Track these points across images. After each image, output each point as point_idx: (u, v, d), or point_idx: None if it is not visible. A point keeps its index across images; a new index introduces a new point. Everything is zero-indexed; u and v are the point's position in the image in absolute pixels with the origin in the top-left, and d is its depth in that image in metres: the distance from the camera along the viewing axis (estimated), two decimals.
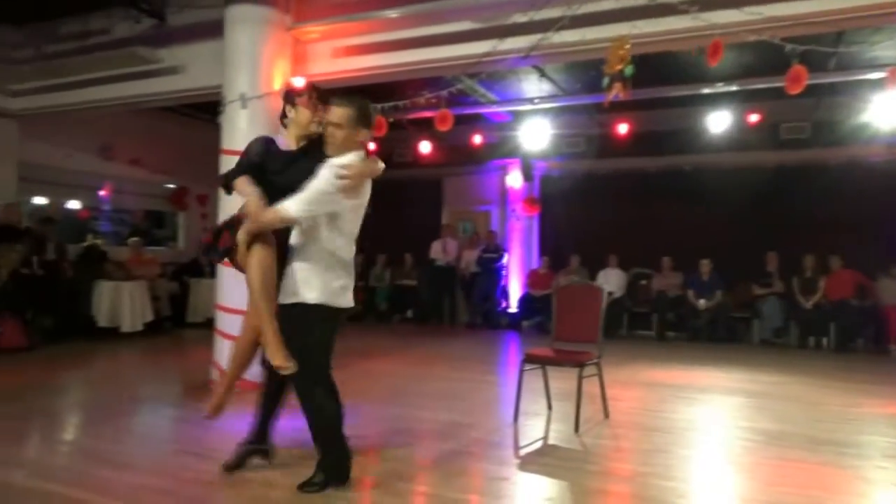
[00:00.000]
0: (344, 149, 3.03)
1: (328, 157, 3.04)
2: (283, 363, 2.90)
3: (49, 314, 8.03)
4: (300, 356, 2.94)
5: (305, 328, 3.00)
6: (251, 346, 3.13)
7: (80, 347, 7.50)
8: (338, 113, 3.03)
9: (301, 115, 3.21)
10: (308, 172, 2.97)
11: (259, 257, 2.98)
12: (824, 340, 8.79)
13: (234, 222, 3.11)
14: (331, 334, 3.09)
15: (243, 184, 3.08)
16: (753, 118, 8.51)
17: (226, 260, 3.20)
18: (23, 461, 3.52)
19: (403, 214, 11.56)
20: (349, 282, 3.15)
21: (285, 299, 3.05)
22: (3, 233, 7.54)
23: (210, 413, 3.19)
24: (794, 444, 4.10)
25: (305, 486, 3.06)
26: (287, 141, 3.26)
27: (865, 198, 8.90)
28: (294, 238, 3.10)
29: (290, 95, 3.26)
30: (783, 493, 3.22)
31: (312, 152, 3.15)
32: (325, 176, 2.92)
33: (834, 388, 6.04)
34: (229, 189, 3.19)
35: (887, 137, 8.02)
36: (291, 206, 2.92)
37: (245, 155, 3.20)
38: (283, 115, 3.29)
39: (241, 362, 3.20)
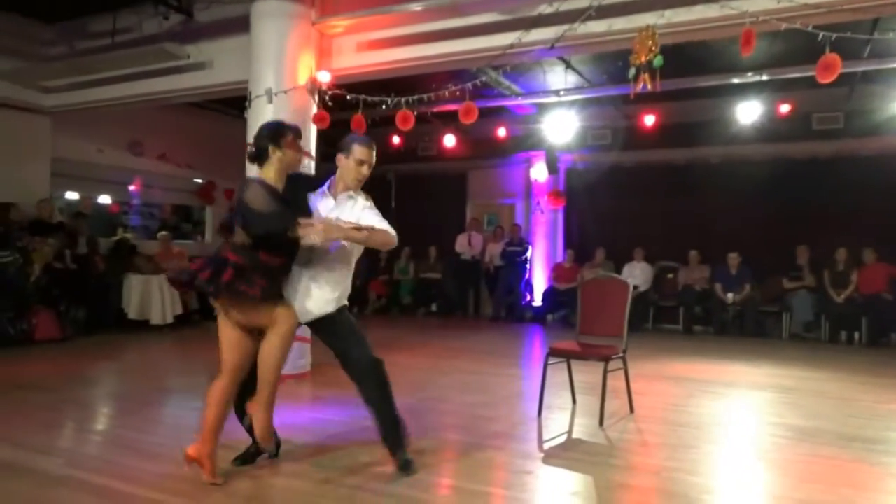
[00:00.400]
0: None
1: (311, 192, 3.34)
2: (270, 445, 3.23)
3: (82, 307, 8.23)
4: (369, 348, 3.21)
5: (353, 324, 3.30)
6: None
7: (111, 339, 7.66)
8: (373, 155, 3.35)
9: (289, 156, 3.17)
10: (300, 212, 3.12)
11: (288, 344, 3.15)
12: (856, 335, 8.61)
13: (242, 263, 2.99)
14: None
15: (327, 220, 3.07)
16: (784, 108, 8.34)
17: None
18: (57, 450, 3.61)
19: (428, 208, 11.59)
20: None
21: (329, 308, 3.28)
22: (37, 228, 7.72)
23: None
24: (824, 440, 4.02)
25: (407, 469, 3.21)
26: (263, 179, 3.16)
27: None
28: (332, 253, 3.25)
29: (276, 137, 3.14)
30: (813, 490, 3.17)
31: (294, 191, 3.24)
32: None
33: (866, 383, 5.91)
34: (296, 235, 3.00)
35: None
36: (389, 228, 3.19)
37: (265, 204, 2.99)
38: (259, 156, 3.15)
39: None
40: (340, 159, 3.33)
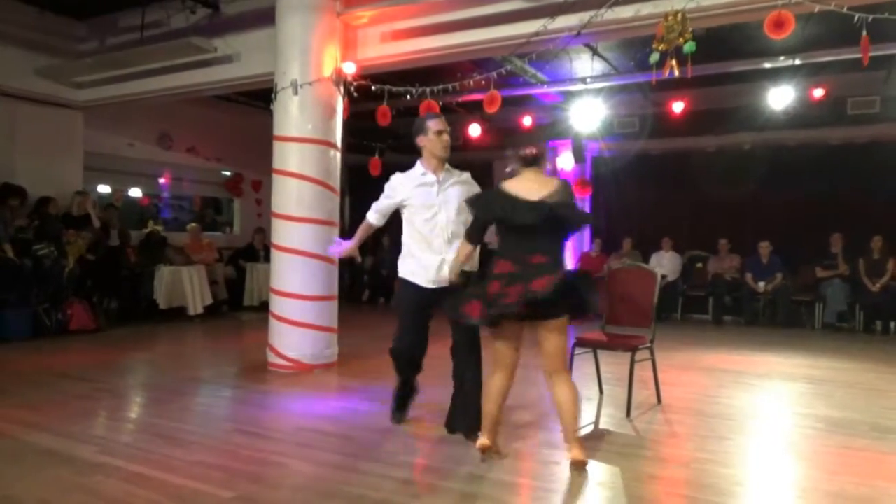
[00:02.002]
0: None
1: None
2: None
3: (114, 298, 8.40)
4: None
5: None
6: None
7: (143, 330, 7.81)
8: (446, 123, 3.77)
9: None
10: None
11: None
12: (892, 325, 8.41)
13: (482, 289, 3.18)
14: None
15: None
16: (818, 93, 8.12)
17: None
18: (92, 437, 3.69)
19: None
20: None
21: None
22: (71, 221, 7.89)
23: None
24: (857, 432, 3.94)
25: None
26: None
27: None
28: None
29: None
30: (846, 482, 3.11)
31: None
32: None
33: None
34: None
35: None
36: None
37: None
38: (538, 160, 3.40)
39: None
40: (421, 140, 3.70)
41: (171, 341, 7.36)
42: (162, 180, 10.69)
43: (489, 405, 3.32)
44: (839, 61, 6.60)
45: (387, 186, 3.78)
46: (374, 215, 3.86)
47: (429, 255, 3.62)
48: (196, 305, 8.61)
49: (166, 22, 7.17)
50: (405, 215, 3.73)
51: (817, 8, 4.25)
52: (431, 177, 3.68)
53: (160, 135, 9.92)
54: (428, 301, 3.67)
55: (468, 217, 3.46)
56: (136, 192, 10.77)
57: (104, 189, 10.06)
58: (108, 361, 5.98)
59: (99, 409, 4.38)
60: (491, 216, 3.25)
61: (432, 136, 3.67)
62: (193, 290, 8.61)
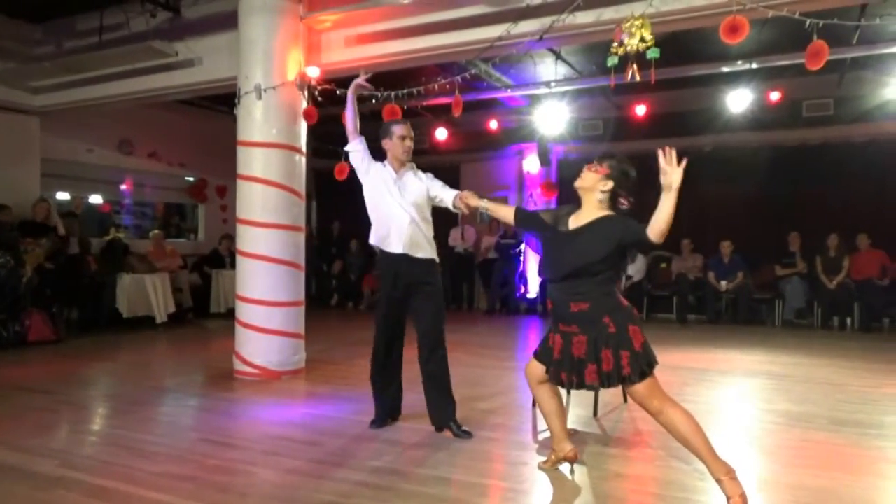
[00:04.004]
0: None
1: None
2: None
3: (74, 307, 8.20)
4: None
5: None
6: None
7: (105, 339, 7.64)
8: (410, 129, 4.02)
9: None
10: None
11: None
12: (848, 321, 8.67)
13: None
14: None
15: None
16: (774, 96, 8.36)
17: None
18: (52, 451, 3.60)
19: None
20: None
21: None
22: (28, 229, 7.68)
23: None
24: (816, 425, 4.06)
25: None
26: None
27: (890, 175, 8.72)
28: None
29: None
30: (805, 474, 3.20)
31: None
32: None
33: (858, 369, 5.95)
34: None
35: None
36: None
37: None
38: None
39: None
40: (386, 143, 3.94)
41: (134, 351, 7.21)
42: (123, 186, 10.48)
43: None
44: (794, 65, 6.79)
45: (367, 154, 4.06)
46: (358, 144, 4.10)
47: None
48: (160, 314, 8.46)
49: (126, 25, 7.04)
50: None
51: (771, 14, 4.37)
52: (392, 172, 3.95)
53: (121, 140, 9.72)
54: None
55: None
56: (96, 199, 10.54)
57: (63, 196, 9.82)
58: (68, 372, 5.83)
59: (59, 422, 4.27)
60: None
61: (396, 140, 3.91)
62: (157, 299, 8.46)
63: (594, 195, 3.01)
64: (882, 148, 8.85)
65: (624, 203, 3.01)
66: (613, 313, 2.84)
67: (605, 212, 2.99)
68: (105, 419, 4.50)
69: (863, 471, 3.29)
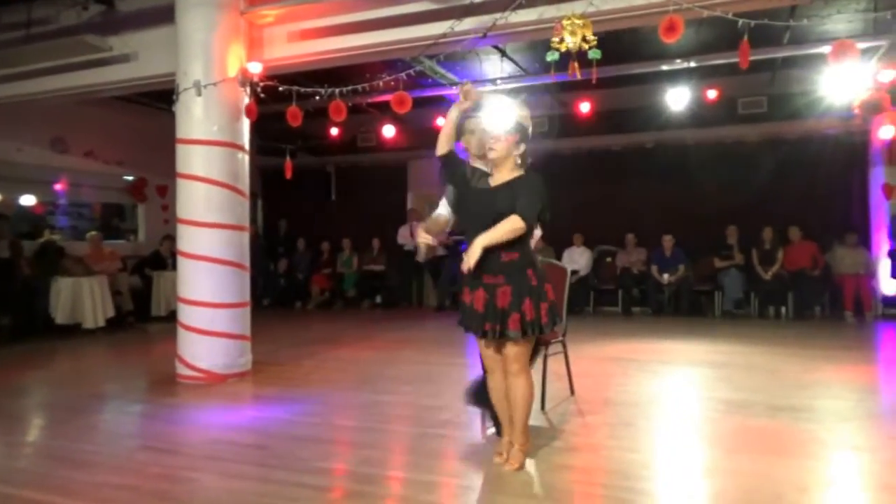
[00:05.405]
0: None
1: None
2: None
3: (6, 313, 7.83)
4: None
5: None
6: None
7: (39, 347, 7.33)
8: None
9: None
10: None
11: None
12: (783, 310, 9.03)
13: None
14: None
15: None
16: (712, 94, 8.61)
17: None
18: None
19: (369, 199, 11.50)
20: None
21: None
22: None
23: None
24: (754, 411, 4.21)
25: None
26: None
27: (820, 170, 9.11)
28: None
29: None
30: (743, 459, 3.32)
31: None
32: None
33: (793, 355, 6.21)
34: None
35: (840, 111, 8.19)
36: None
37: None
38: None
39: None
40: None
41: (71, 357, 6.94)
42: (58, 186, 10.05)
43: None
44: (730, 64, 7.02)
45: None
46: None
47: None
48: (97, 318, 8.14)
49: (55, 19, 6.74)
50: None
51: (706, 13, 4.50)
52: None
53: (53, 138, 9.31)
54: None
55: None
56: (29, 200, 10.08)
57: None
58: (0, 382, 5.57)
59: None
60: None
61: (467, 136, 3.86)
62: (94, 303, 8.14)
63: (510, 160, 3.27)
64: (812, 144, 9.24)
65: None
66: (534, 267, 3.12)
67: (519, 171, 3.26)
68: (40, 429, 4.32)
69: (795, 453, 3.43)
